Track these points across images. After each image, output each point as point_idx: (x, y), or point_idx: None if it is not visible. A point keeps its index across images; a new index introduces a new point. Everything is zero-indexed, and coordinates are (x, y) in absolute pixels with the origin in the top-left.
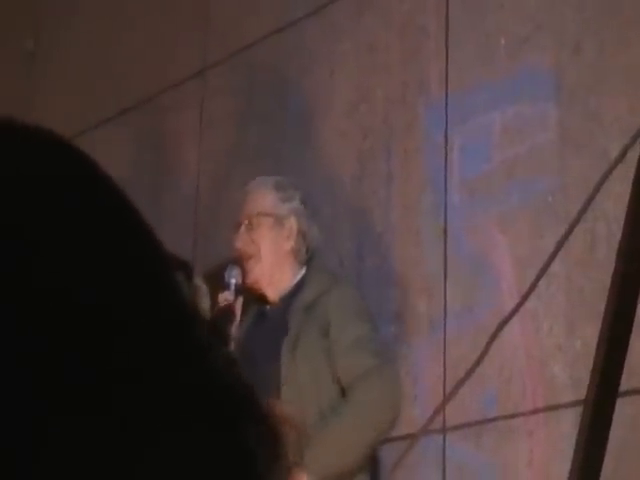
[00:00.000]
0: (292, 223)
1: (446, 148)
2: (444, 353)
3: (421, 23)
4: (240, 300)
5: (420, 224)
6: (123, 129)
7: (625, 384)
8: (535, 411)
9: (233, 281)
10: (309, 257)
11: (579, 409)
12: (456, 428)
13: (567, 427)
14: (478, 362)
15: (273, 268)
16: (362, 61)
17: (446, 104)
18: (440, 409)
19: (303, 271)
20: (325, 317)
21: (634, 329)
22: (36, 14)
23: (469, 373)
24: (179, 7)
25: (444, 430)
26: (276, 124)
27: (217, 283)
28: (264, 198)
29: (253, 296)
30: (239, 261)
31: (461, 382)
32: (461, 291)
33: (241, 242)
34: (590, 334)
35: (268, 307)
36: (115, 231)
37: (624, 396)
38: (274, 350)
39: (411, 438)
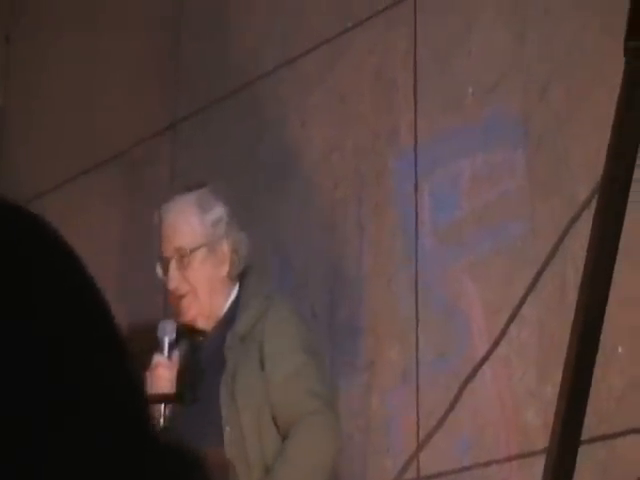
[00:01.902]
0: (225, 247)
1: (416, 196)
2: (417, 401)
3: (390, 74)
4: (175, 356)
5: (392, 273)
6: (94, 183)
7: (595, 430)
8: (509, 458)
9: (167, 339)
10: (242, 270)
11: None
12: (430, 477)
13: (541, 474)
14: (451, 407)
15: (211, 299)
16: (333, 112)
17: (415, 153)
18: (414, 457)
19: (236, 288)
20: (261, 347)
21: (604, 375)
22: (6, 69)
23: (442, 420)
24: (149, 60)
25: (418, 479)
26: (247, 175)
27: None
28: (193, 228)
29: (183, 329)
30: (174, 305)
31: (434, 430)
32: (433, 339)
33: (174, 281)
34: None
35: (201, 339)
36: (66, 313)
37: (595, 441)
38: (212, 388)
39: None
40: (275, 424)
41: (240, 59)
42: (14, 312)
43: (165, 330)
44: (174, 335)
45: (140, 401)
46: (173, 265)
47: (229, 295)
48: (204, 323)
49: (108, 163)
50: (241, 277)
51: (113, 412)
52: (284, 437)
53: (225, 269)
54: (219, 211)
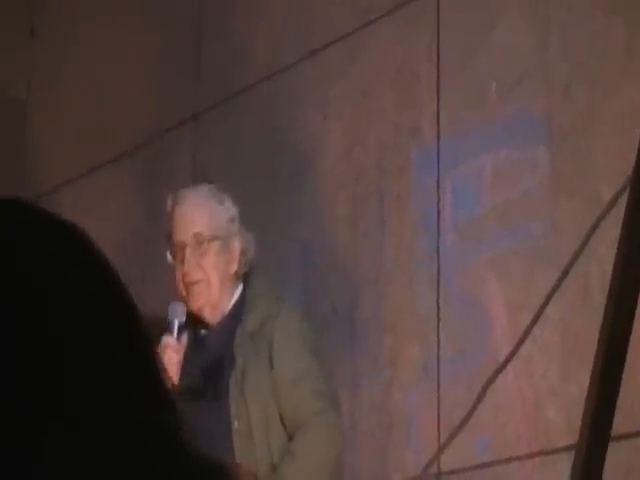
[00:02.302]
0: (236, 245)
1: (438, 192)
2: (438, 398)
3: (413, 68)
4: (184, 340)
5: (413, 269)
6: (115, 176)
7: (620, 428)
8: (530, 455)
9: (176, 321)
10: (247, 271)
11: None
12: (451, 473)
13: (563, 471)
14: (474, 408)
15: (221, 292)
16: (355, 105)
17: (438, 148)
18: (435, 459)
19: (240, 287)
20: (270, 347)
21: (629, 374)
22: (28, 62)
23: (464, 421)
24: (171, 52)
25: (439, 475)
26: (269, 169)
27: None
28: (212, 218)
29: (188, 317)
30: (183, 291)
31: (456, 431)
32: (454, 336)
33: (189, 266)
34: (585, 378)
35: (204, 332)
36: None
37: (619, 440)
38: (219, 382)
39: None
40: (281, 422)
41: (261, 51)
42: (33, 311)
43: (175, 312)
44: (184, 318)
45: (166, 405)
46: (189, 250)
47: (234, 294)
48: (209, 315)
49: (130, 155)
50: (244, 278)
51: (138, 417)
52: (290, 435)
53: (234, 267)
54: (233, 209)
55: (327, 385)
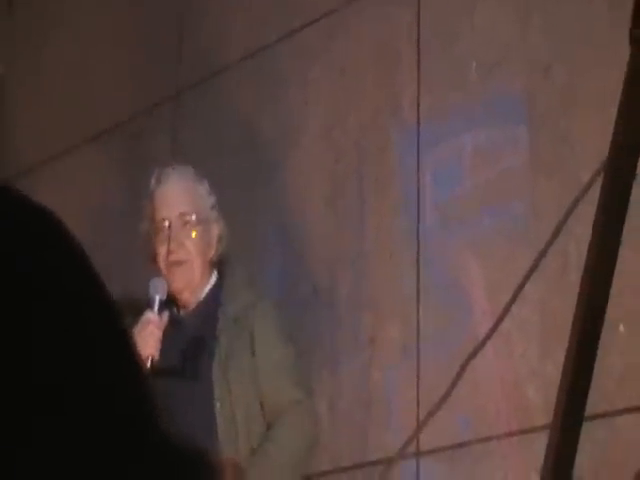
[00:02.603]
0: (214, 231)
1: (418, 172)
2: (418, 377)
3: (393, 47)
4: (165, 316)
5: (393, 248)
6: (94, 154)
7: (595, 407)
8: (509, 434)
9: (158, 297)
10: (220, 260)
11: None
12: (430, 452)
13: (541, 450)
14: (453, 386)
15: (202, 276)
16: (334, 85)
17: (418, 128)
18: (414, 437)
19: (215, 275)
20: (251, 334)
21: (605, 354)
22: (9, 39)
23: (443, 399)
24: (151, 32)
25: (418, 454)
26: (249, 148)
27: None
28: (199, 199)
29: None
30: (164, 270)
31: (435, 408)
32: (434, 315)
33: (174, 244)
34: (563, 357)
35: (182, 313)
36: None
37: (594, 419)
38: (199, 363)
39: (385, 463)
40: (260, 409)
41: (242, 30)
42: (11, 311)
43: (157, 288)
44: (165, 296)
45: (144, 400)
46: (174, 229)
47: (209, 280)
48: (187, 298)
49: (109, 133)
50: (218, 266)
51: (112, 410)
52: (268, 422)
53: (211, 253)
54: (213, 196)
55: (302, 374)
